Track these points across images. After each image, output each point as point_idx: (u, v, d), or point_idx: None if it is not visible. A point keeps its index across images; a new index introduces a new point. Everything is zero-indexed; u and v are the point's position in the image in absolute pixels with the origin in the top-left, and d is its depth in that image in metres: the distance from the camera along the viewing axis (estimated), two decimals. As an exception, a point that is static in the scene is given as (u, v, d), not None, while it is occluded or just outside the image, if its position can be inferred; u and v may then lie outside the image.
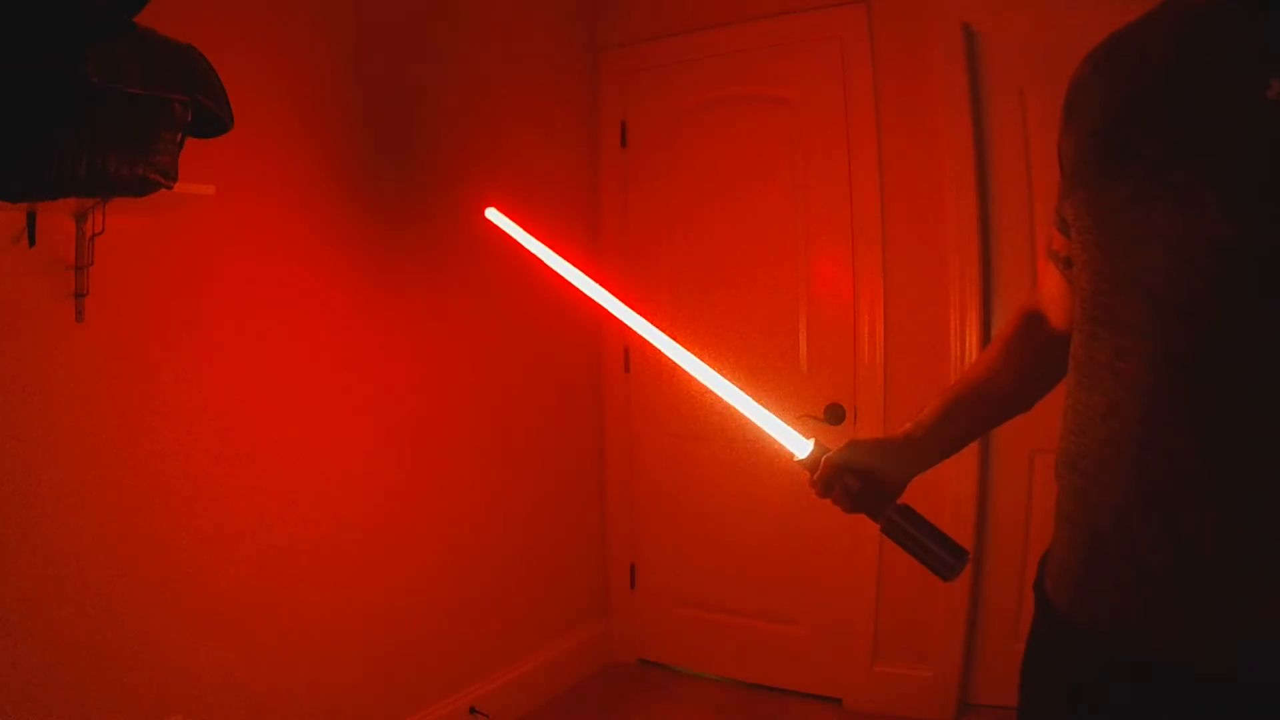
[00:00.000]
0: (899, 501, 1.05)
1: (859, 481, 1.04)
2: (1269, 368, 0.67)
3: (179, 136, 1.50)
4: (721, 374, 1.17)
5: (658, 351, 1.21)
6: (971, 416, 1.10)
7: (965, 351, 2.54)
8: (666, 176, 3.01)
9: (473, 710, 2.51)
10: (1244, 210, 0.68)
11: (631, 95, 3.07)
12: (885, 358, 2.65)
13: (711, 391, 1.17)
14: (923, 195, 2.60)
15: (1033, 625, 0.93)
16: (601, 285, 1.28)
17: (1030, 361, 1.06)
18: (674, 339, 1.21)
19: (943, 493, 2.50)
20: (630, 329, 1.26)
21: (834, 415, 2.67)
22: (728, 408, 1.16)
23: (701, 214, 2.94)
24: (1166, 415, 0.72)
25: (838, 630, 2.76)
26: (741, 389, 1.15)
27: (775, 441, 1.13)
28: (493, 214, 1.45)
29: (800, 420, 2.67)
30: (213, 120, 1.57)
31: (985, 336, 2.54)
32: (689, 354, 1.20)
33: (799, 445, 1.11)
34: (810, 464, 1.09)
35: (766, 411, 1.13)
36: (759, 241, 2.85)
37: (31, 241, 1.56)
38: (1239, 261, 0.68)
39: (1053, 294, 1.03)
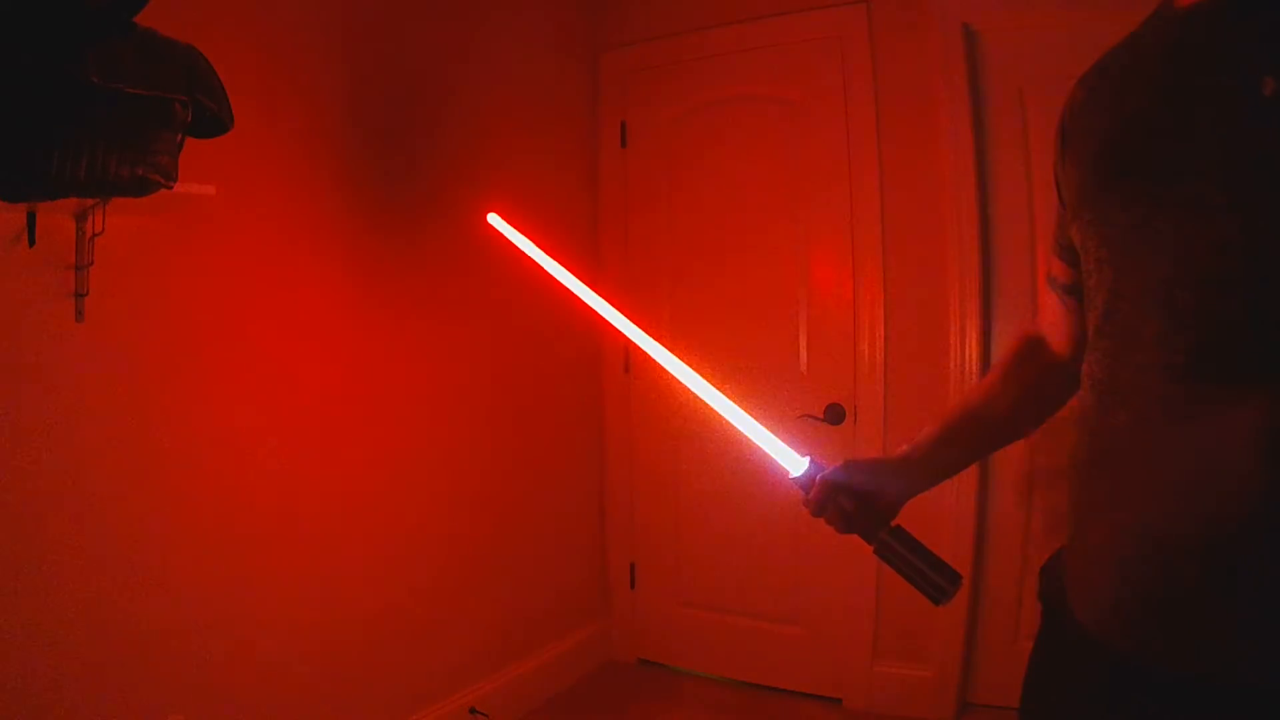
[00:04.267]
0: (893, 523, 1.04)
1: (853, 502, 1.03)
2: None
3: (179, 136, 1.50)
4: (719, 381, 1.17)
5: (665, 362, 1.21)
6: (969, 441, 1.10)
7: (965, 351, 2.54)
8: (666, 176, 3.01)
9: (473, 710, 2.51)
10: (1251, 210, 0.67)
11: (631, 95, 3.07)
12: (885, 358, 2.65)
13: (708, 400, 1.17)
14: (923, 195, 2.60)
15: (1041, 637, 0.92)
16: (599, 291, 1.28)
17: (1029, 387, 1.06)
18: (670, 348, 1.21)
19: (943, 493, 2.49)
20: (628, 336, 1.25)
21: (834, 415, 2.67)
22: (735, 431, 1.16)
23: (701, 214, 2.94)
24: (1195, 426, 0.71)
25: (838, 630, 2.76)
26: (738, 404, 1.15)
27: (770, 459, 1.12)
28: (495, 219, 1.45)
29: (800, 420, 2.67)
30: (213, 120, 1.56)
31: (985, 336, 2.54)
32: (685, 365, 1.19)
33: (793, 463, 1.10)
34: (804, 483, 1.08)
35: (762, 428, 1.13)
36: (759, 241, 2.85)
37: (31, 241, 1.56)
38: (1251, 263, 0.67)
39: (1053, 321, 1.03)
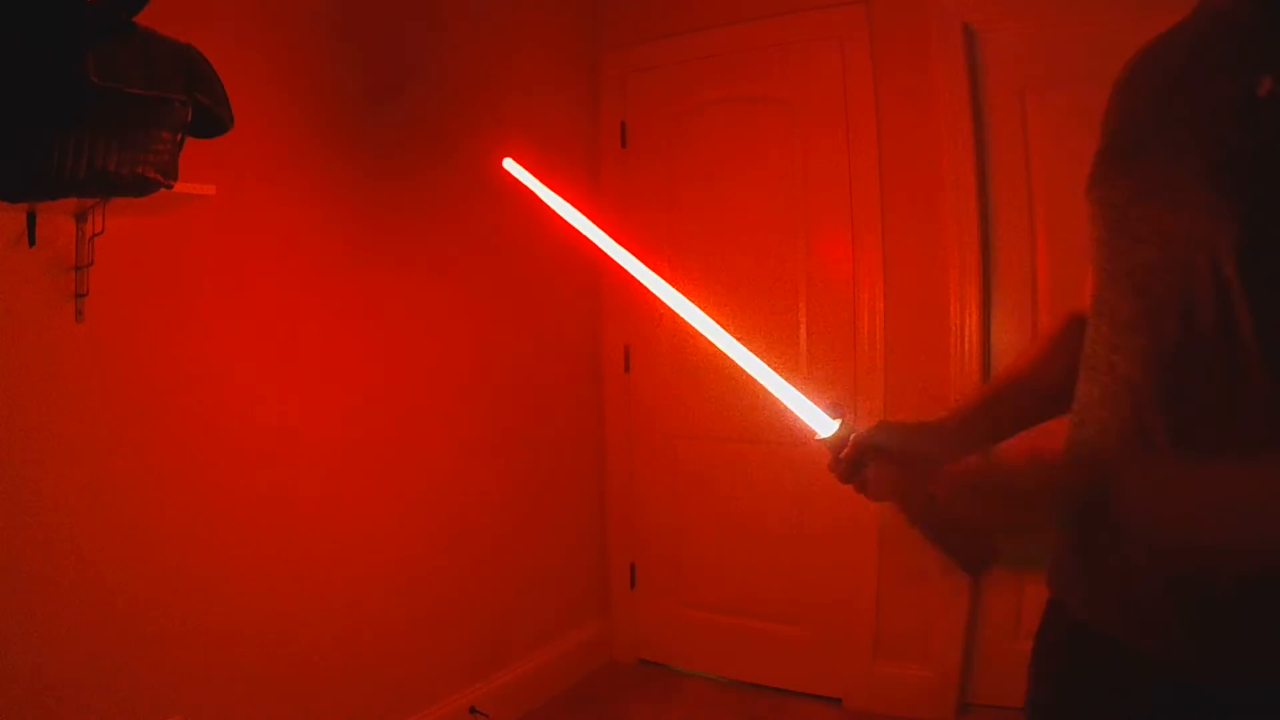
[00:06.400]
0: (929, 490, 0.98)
1: (888, 466, 0.99)
2: (1250, 365, 0.68)
3: (179, 136, 1.49)
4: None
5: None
6: (1011, 411, 1.06)
7: (965, 351, 2.54)
8: (666, 176, 3.01)
9: (473, 710, 2.51)
10: (1232, 206, 0.69)
11: (631, 95, 3.07)
12: (885, 357, 2.65)
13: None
14: (923, 195, 2.60)
15: (1045, 611, 0.94)
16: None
17: (1073, 360, 1.05)
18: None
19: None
20: (647, 297, 1.16)
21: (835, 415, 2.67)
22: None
23: (701, 214, 2.94)
24: (1155, 410, 0.73)
25: (838, 630, 2.76)
26: (763, 361, 1.08)
27: (797, 418, 1.05)
28: (510, 164, 1.38)
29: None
30: (213, 120, 1.56)
31: (985, 335, 2.54)
32: (712, 320, 1.10)
33: (823, 423, 1.04)
34: (835, 444, 1.02)
35: (790, 385, 1.06)
36: (759, 242, 2.85)
37: (31, 241, 1.56)
38: (1226, 258, 0.69)
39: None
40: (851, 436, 1.00)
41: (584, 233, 1.22)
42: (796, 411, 1.06)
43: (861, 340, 2.68)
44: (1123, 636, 0.76)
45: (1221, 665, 0.70)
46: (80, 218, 1.61)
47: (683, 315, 1.12)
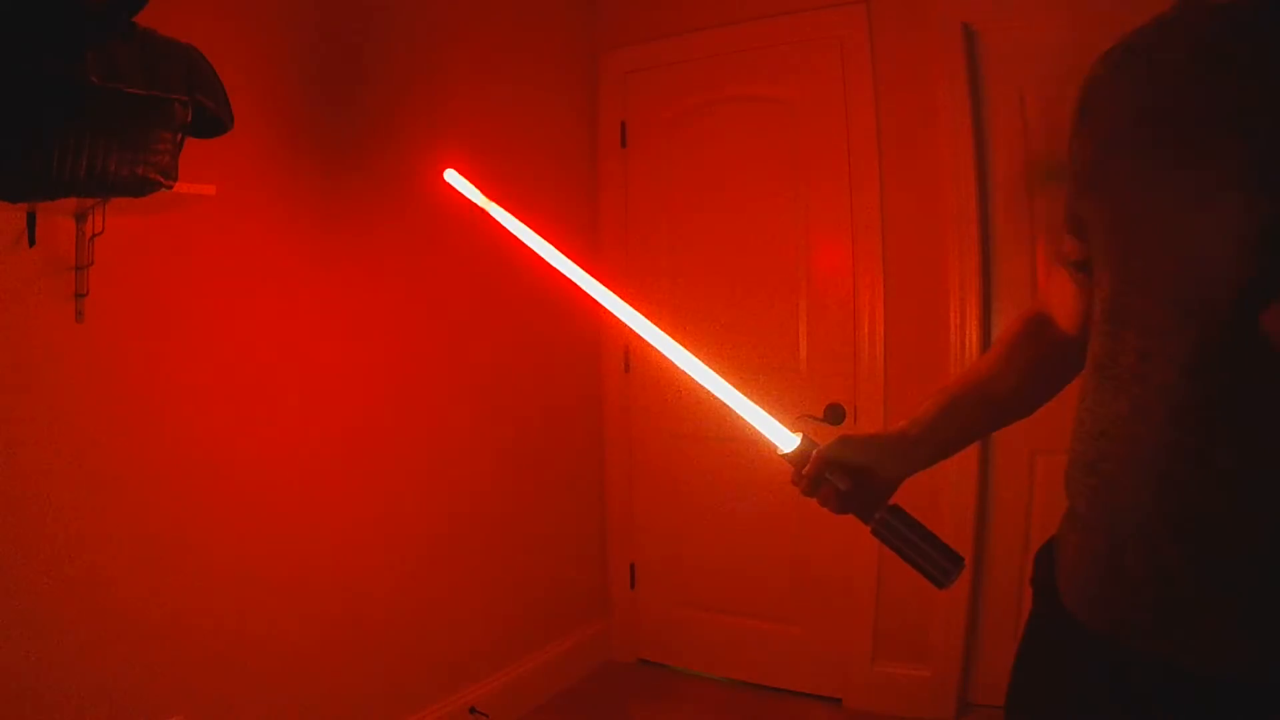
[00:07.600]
0: (890, 502, 1.00)
1: (849, 480, 0.98)
2: None
3: (179, 136, 1.49)
4: (708, 364, 1.12)
5: (657, 351, 1.16)
6: (971, 418, 1.06)
7: (965, 351, 2.54)
8: (666, 176, 3.01)
9: (473, 710, 2.51)
10: (1271, 210, 0.67)
11: (631, 95, 3.07)
12: (885, 358, 2.65)
13: (700, 383, 1.12)
14: (922, 196, 2.60)
15: (1032, 622, 0.92)
16: (580, 266, 1.20)
17: (1035, 365, 1.03)
18: (656, 324, 1.15)
19: (942, 493, 2.50)
20: (602, 304, 1.19)
21: (834, 415, 2.67)
22: (723, 405, 1.11)
23: (701, 214, 2.94)
24: (1195, 417, 0.71)
25: (838, 630, 2.76)
26: (725, 378, 1.09)
27: (758, 434, 1.06)
28: (451, 176, 1.37)
29: (800, 420, 2.66)
30: (213, 120, 1.56)
31: (985, 336, 2.54)
32: (669, 338, 1.12)
33: (784, 439, 1.04)
34: (797, 459, 1.02)
35: (749, 401, 1.07)
36: (759, 242, 2.85)
37: (31, 241, 1.56)
38: (1270, 259, 0.67)
39: (1060, 298, 1.01)
40: (814, 452, 1.00)
41: (531, 246, 1.22)
42: (760, 428, 1.07)
43: (862, 340, 2.68)
44: (1151, 647, 0.74)
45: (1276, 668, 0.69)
46: (80, 218, 1.61)
47: (641, 333, 1.14)
